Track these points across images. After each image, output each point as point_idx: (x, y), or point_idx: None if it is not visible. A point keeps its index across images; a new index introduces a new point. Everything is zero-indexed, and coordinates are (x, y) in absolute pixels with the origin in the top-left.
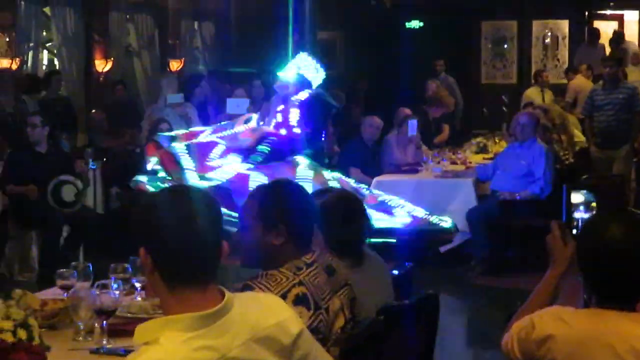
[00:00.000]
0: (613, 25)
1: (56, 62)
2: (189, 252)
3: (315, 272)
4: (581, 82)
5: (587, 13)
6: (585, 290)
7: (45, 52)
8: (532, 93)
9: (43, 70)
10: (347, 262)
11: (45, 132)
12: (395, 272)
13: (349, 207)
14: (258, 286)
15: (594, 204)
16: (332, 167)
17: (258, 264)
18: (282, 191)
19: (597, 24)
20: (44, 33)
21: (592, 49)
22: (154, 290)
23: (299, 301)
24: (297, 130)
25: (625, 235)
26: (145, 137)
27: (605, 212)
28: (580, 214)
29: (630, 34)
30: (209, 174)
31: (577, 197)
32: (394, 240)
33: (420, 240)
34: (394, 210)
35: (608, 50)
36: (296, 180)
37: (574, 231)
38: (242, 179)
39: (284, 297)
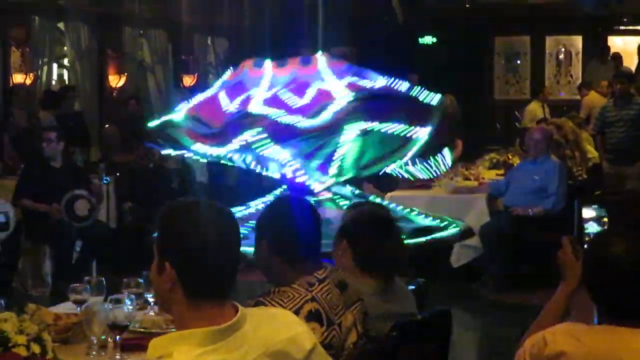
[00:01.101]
0: (632, 40)
1: (68, 77)
2: (217, 266)
3: (328, 288)
4: (594, 98)
5: (600, 29)
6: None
7: (59, 67)
8: (534, 109)
9: (57, 86)
10: (374, 282)
11: (60, 148)
12: (410, 287)
13: (382, 224)
14: (270, 303)
15: (605, 219)
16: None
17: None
18: (272, 206)
19: (614, 39)
20: (58, 48)
21: (602, 65)
22: (171, 305)
23: (312, 317)
24: None
25: (630, 253)
26: (158, 153)
27: (612, 228)
28: (592, 229)
29: None
30: None
31: (588, 213)
32: None
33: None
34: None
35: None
36: None
37: (585, 246)
38: None
39: (296, 313)
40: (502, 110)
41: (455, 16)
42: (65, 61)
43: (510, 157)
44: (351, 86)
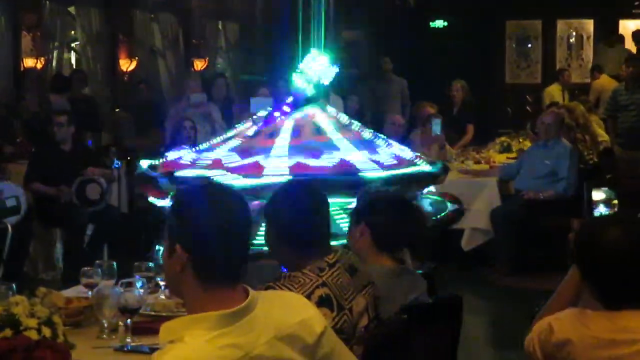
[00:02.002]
0: None
1: (79, 61)
2: (228, 249)
3: (338, 273)
4: (604, 82)
5: (612, 12)
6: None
7: (70, 51)
8: (553, 91)
9: (68, 70)
10: (392, 264)
11: (71, 131)
12: (418, 272)
13: (401, 205)
14: (281, 288)
15: (615, 202)
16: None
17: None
18: (277, 194)
19: (626, 23)
20: (69, 33)
21: (610, 48)
22: (181, 288)
23: (323, 302)
24: None
25: (623, 237)
26: (169, 137)
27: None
28: (602, 212)
29: None
30: None
31: (598, 195)
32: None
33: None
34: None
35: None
36: None
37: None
38: None
39: (307, 298)
40: (513, 94)
41: (467, 0)
42: (76, 45)
43: (521, 140)
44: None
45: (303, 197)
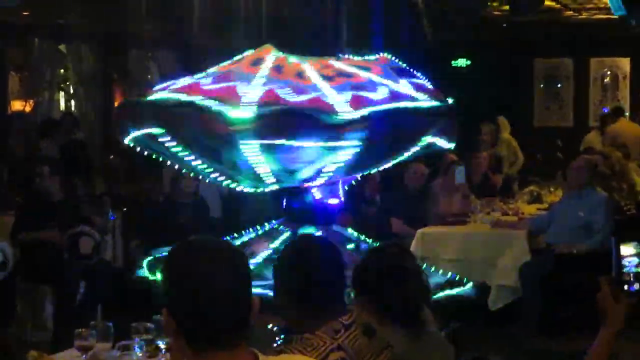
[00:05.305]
0: None
1: (70, 102)
2: (213, 312)
3: (355, 335)
4: (619, 127)
5: None
6: None
7: (60, 92)
8: (593, 138)
9: (58, 112)
10: (403, 332)
11: (55, 182)
12: (444, 329)
13: (394, 264)
14: (292, 352)
15: None
16: (371, 218)
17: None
18: (287, 251)
19: None
20: (60, 72)
21: None
22: (180, 353)
23: None
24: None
25: None
26: (169, 185)
27: None
28: (632, 267)
29: None
30: None
31: (627, 250)
32: None
33: None
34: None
35: None
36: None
37: (625, 287)
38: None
39: None
40: (542, 138)
41: (492, 37)
42: (67, 85)
43: (552, 190)
44: (355, 101)
45: (316, 252)
